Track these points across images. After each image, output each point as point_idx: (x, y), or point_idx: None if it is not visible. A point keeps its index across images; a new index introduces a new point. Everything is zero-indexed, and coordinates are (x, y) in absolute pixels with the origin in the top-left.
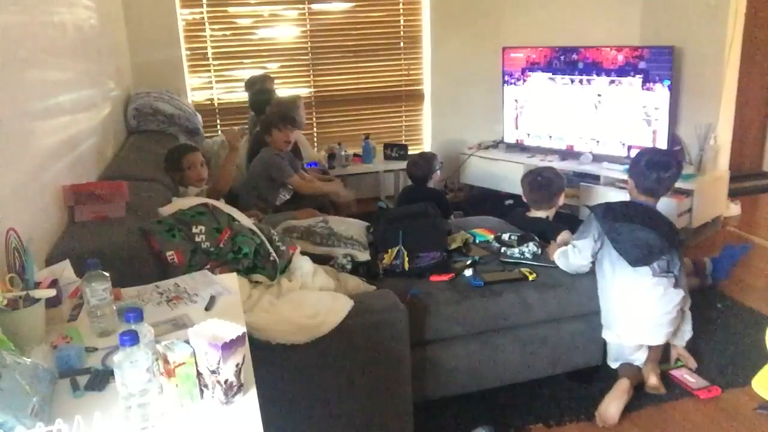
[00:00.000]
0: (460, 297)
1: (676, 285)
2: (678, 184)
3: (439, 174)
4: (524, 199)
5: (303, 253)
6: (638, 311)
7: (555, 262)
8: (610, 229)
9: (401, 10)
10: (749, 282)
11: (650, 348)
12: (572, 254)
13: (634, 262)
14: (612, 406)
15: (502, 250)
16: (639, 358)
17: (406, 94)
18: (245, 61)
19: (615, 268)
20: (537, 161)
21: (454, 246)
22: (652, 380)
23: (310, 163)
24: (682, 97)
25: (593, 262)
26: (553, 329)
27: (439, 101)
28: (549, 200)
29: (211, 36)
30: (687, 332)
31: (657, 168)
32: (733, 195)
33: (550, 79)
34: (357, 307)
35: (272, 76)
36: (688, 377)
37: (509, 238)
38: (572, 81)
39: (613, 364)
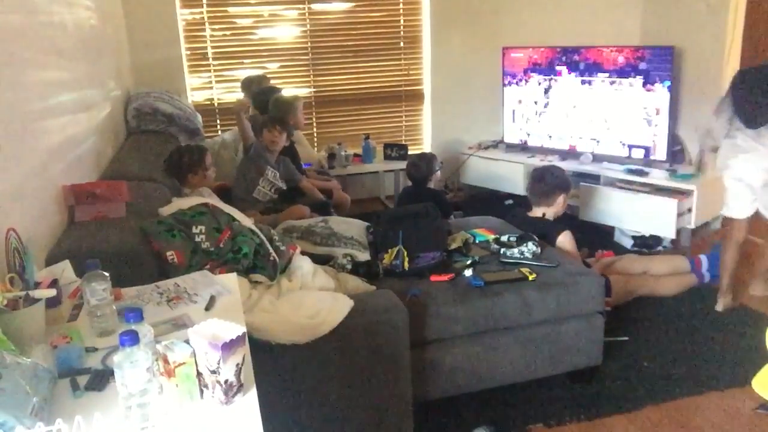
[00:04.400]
0: (460, 297)
1: None
2: (678, 184)
3: (438, 174)
4: (527, 194)
5: (303, 253)
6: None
7: (559, 258)
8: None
9: (401, 10)
10: (749, 282)
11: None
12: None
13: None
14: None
15: (502, 251)
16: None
17: (406, 94)
18: (245, 61)
19: None
20: (537, 161)
21: (454, 246)
22: (759, 289)
23: (304, 164)
24: (682, 97)
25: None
26: (553, 329)
27: (439, 101)
28: (547, 196)
29: (211, 36)
30: None
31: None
32: None
33: (552, 79)
34: (357, 307)
35: (269, 76)
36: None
37: (508, 239)
38: (573, 81)
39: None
